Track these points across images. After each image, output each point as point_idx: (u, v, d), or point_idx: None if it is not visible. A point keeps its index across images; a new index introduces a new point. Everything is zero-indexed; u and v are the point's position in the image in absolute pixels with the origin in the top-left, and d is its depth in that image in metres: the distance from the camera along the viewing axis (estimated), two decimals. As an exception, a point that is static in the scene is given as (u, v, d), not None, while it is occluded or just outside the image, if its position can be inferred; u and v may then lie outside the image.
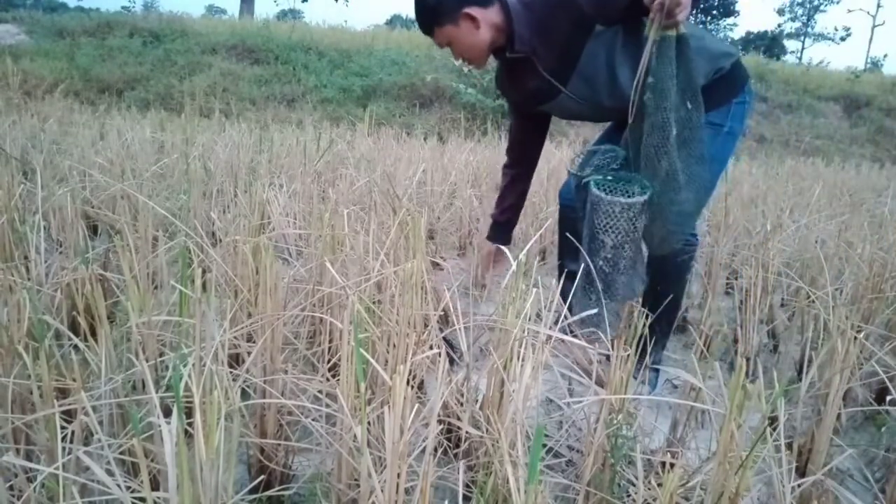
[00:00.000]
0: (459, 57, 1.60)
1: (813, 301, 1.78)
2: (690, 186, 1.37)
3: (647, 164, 1.33)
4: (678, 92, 1.28)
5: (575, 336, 1.57)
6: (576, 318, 1.48)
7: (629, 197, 1.31)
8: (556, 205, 1.88)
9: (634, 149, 1.36)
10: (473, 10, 1.50)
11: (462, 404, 1.19)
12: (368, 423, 1.00)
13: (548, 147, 5.15)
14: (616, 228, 1.32)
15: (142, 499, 0.72)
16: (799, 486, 1.07)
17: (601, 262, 1.37)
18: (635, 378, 1.46)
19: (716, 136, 1.57)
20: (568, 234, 1.78)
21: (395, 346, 1.14)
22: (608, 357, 1.25)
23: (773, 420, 1.22)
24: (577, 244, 1.76)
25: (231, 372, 1.11)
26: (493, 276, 2.04)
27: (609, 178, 1.35)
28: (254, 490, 1.06)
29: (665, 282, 1.64)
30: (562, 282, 1.79)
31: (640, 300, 1.68)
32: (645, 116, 1.30)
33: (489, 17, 1.52)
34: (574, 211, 1.80)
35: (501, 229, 1.94)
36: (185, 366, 0.86)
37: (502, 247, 1.90)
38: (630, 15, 1.43)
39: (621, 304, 1.43)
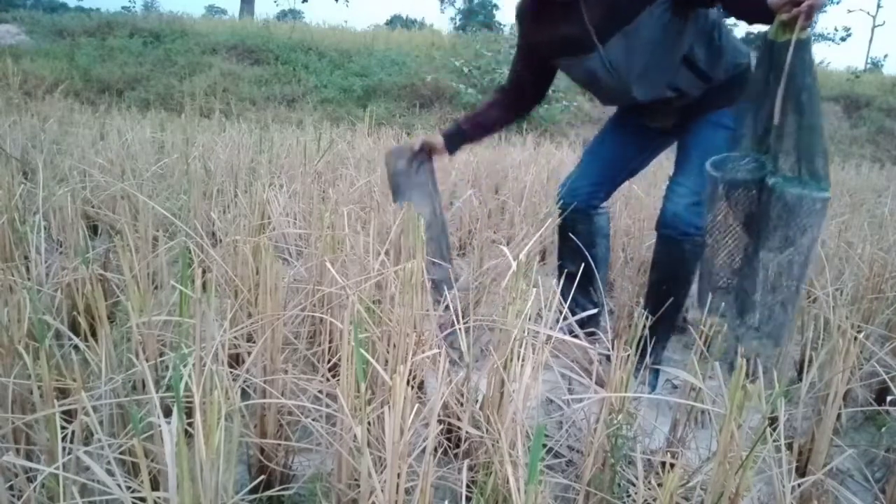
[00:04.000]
0: None
1: (813, 301, 1.78)
2: None
3: (792, 165, 1.30)
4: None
5: (576, 336, 1.57)
6: (576, 317, 1.48)
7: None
8: (556, 206, 1.87)
9: (779, 149, 1.33)
10: None
11: (462, 404, 1.19)
12: (368, 423, 1.00)
13: (547, 147, 5.16)
14: (814, 226, 1.28)
15: (142, 499, 0.72)
16: (799, 486, 1.07)
17: (796, 269, 1.30)
18: (635, 378, 1.46)
19: (721, 135, 1.56)
20: (571, 235, 1.78)
21: (395, 346, 1.14)
22: (608, 357, 1.25)
23: (773, 420, 1.22)
24: (579, 244, 1.76)
25: (231, 372, 1.11)
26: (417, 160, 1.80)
27: (780, 179, 1.31)
28: (254, 490, 1.06)
29: (669, 281, 1.63)
30: (562, 282, 1.78)
31: (643, 300, 1.68)
32: (794, 118, 1.26)
33: None
34: (576, 212, 1.79)
35: (457, 134, 1.78)
36: (185, 366, 0.86)
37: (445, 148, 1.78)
38: None
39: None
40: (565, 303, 1.47)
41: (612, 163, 1.79)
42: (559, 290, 1.61)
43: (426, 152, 1.77)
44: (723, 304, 1.38)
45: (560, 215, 1.81)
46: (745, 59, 1.59)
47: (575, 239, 1.76)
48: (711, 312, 1.38)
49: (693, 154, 1.59)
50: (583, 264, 1.65)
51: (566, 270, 1.81)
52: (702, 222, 1.57)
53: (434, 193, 1.78)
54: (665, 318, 1.61)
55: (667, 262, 1.63)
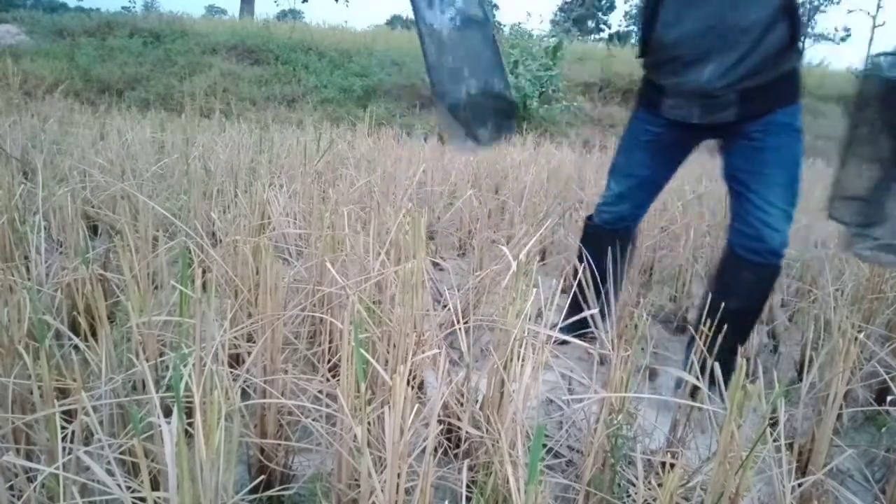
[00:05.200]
0: None
1: (813, 301, 1.78)
2: None
3: None
4: None
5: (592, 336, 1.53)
6: (575, 317, 1.48)
7: None
8: (595, 226, 1.75)
9: None
10: None
11: (462, 404, 1.19)
12: (368, 423, 1.00)
13: (547, 147, 5.15)
14: None
15: (142, 499, 0.72)
16: (799, 486, 1.07)
17: None
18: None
19: (798, 140, 1.46)
20: (608, 251, 1.67)
21: (395, 346, 1.14)
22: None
23: (773, 420, 1.22)
24: (611, 259, 1.64)
25: (231, 372, 1.11)
26: None
27: None
28: (254, 490, 1.06)
29: (756, 310, 1.53)
30: (579, 292, 1.64)
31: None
32: None
33: None
34: (618, 232, 1.68)
35: None
36: (185, 366, 0.86)
37: None
38: None
39: None
40: (587, 309, 1.42)
41: (655, 184, 1.69)
42: (574, 296, 1.57)
43: None
44: (847, 211, 1.28)
45: (598, 235, 1.71)
46: (799, 61, 1.50)
47: (609, 253, 1.68)
48: (834, 218, 1.30)
49: (776, 166, 1.44)
50: (610, 276, 1.61)
51: (592, 280, 1.69)
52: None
53: None
54: (738, 346, 1.39)
55: (758, 288, 1.50)
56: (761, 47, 1.36)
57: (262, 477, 1.07)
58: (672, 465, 1.07)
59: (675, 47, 1.44)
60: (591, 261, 1.68)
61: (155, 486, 0.94)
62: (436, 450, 1.15)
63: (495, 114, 1.06)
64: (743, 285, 1.48)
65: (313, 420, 1.10)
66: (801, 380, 1.44)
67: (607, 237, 1.72)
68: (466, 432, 1.11)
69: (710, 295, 1.49)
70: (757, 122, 1.44)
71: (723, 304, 1.40)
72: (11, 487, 0.88)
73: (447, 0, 1.09)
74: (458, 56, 1.07)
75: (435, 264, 2.34)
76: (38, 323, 0.87)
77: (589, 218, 1.82)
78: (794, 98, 1.46)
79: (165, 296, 1.44)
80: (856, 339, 1.17)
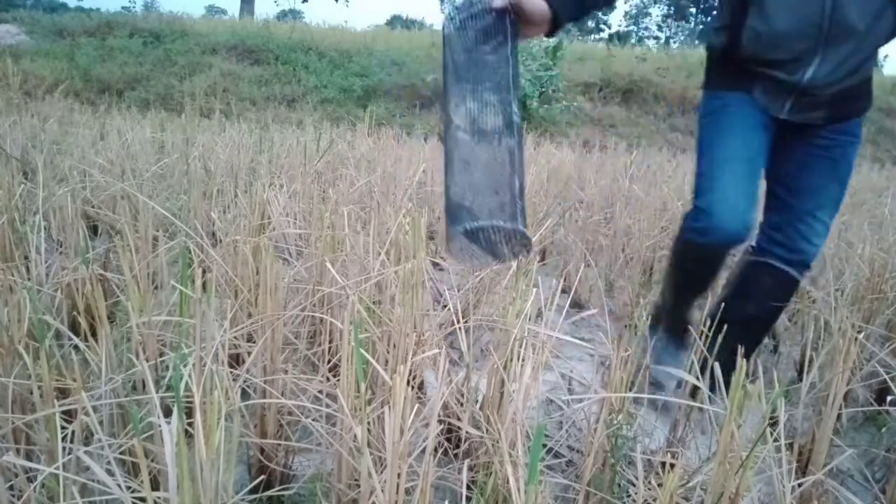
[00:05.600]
0: None
1: (813, 302, 1.78)
2: None
3: None
4: None
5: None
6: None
7: None
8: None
9: None
10: None
11: (462, 404, 1.19)
12: (368, 423, 1.00)
13: (547, 147, 5.15)
14: None
15: (142, 499, 0.72)
16: (799, 486, 1.07)
17: None
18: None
19: (856, 152, 1.39)
20: (716, 265, 1.42)
21: (395, 346, 1.14)
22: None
23: (773, 420, 1.22)
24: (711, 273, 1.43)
25: (231, 372, 1.11)
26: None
27: None
28: (254, 490, 1.06)
29: (775, 315, 1.45)
30: (674, 307, 1.52)
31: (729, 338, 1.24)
32: None
33: None
34: (735, 243, 1.35)
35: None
36: (185, 366, 0.86)
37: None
38: None
39: None
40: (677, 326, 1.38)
41: (760, 170, 1.39)
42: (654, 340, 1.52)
43: (510, 16, 0.98)
44: None
45: (709, 248, 1.37)
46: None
47: (713, 269, 1.44)
48: None
49: (834, 180, 1.36)
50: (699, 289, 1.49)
51: (683, 297, 1.54)
52: None
53: (512, 88, 0.98)
54: (749, 351, 1.36)
55: (780, 294, 1.42)
56: (869, 40, 1.24)
57: (262, 477, 1.07)
58: (672, 465, 1.07)
59: (778, 44, 1.27)
60: (696, 279, 1.49)
61: (155, 486, 0.94)
62: (436, 450, 1.15)
63: (512, 245, 0.94)
64: (764, 290, 1.41)
65: (313, 420, 1.10)
66: (801, 380, 1.44)
67: (722, 253, 1.41)
68: (466, 432, 1.11)
69: (724, 297, 1.45)
70: (833, 129, 1.35)
71: (739, 308, 1.37)
72: (11, 487, 0.88)
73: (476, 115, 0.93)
74: (478, 182, 0.90)
75: (435, 264, 2.34)
76: (38, 323, 0.87)
77: (690, 241, 1.40)
78: (869, 106, 1.39)
79: (165, 296, 1.44)
80: (856, 339, 1.17)
